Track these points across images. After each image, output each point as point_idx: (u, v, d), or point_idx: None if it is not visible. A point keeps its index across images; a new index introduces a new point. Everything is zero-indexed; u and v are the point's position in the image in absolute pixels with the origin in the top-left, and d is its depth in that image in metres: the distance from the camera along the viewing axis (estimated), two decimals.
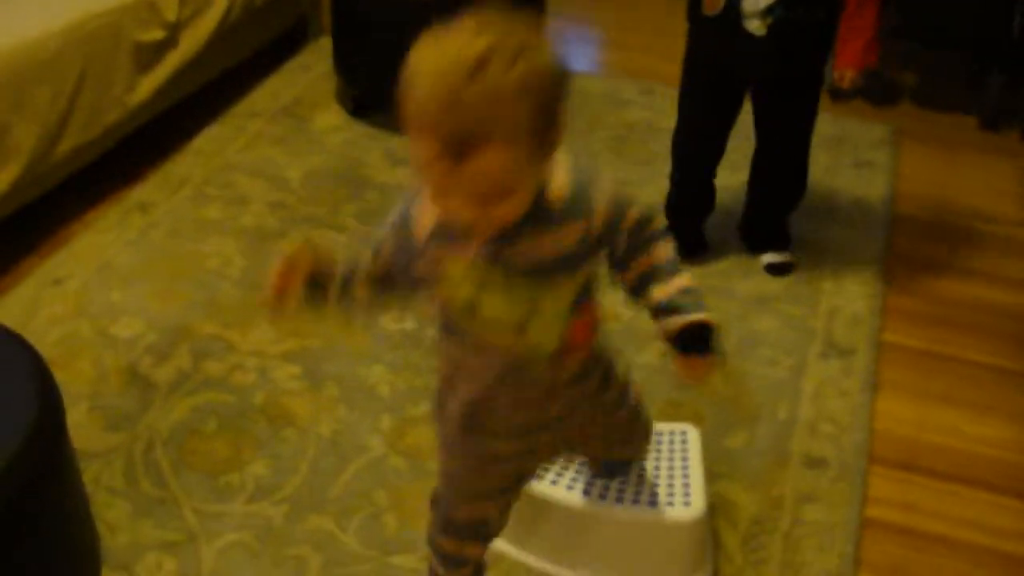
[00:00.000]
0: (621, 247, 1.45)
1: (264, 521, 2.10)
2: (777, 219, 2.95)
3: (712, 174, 2.90)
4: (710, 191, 2.94)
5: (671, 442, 2.02)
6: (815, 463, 2.29)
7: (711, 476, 2.10)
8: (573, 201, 1.35)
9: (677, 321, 1.44)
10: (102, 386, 2.43)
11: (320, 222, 3.07)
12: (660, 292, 1.45)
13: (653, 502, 1.88)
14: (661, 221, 1.47)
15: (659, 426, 2.07)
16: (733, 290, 2.85)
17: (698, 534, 1.90)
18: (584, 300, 1.44)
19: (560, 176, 1.35)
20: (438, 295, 1.42)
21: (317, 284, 1.46)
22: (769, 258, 2.92)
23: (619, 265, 1.48)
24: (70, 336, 2.58)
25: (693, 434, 2.05)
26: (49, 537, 1.65)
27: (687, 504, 1.88)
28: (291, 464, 2.24)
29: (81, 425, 2.29)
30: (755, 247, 2.96)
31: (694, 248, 2.96)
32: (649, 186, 3.08)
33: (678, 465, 1.96)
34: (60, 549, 1.70)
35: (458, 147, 1.15)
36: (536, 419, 1.57)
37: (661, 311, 1.45)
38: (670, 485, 1.91)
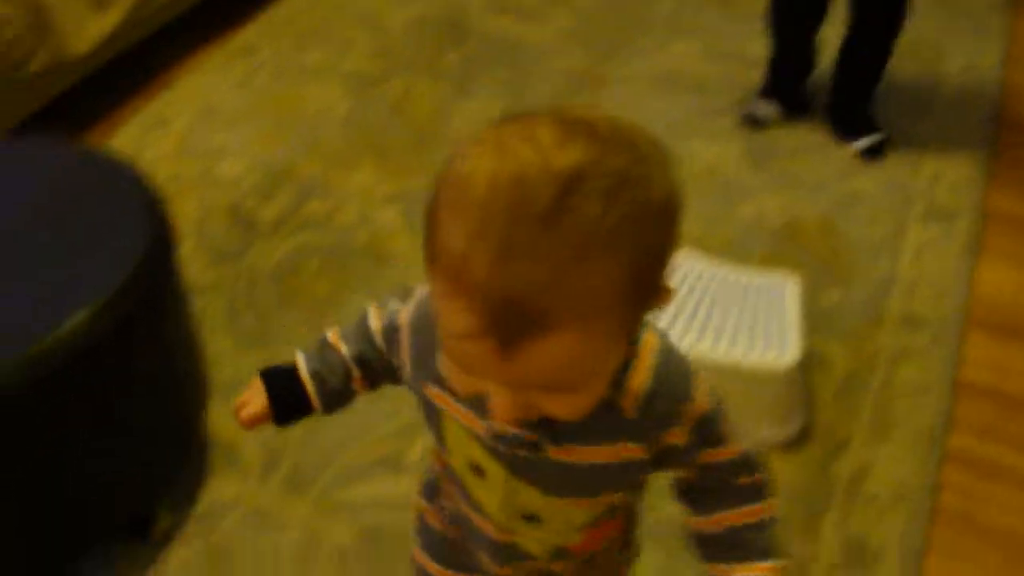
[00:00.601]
0: (693, 481, 1.04)
1: None
2: (869, 83, 2.84)
3: (813, 34, 2.81)
4: (811, 51, 2.86)
5: (770, 292, 2.02)
6: (911, 323, 2.28)
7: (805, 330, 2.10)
8: (648, 406, 0.91)
9: None
10: (206, 225, 2.49)
11: (421, 70, 3.07)
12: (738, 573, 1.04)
13: (749, 348, 1.88)
14: (765, 473, 1.06)
15: (760, 276, 2.07)
16: (834, 149, 2.80)
17: (792, 383, 1.91)
18: (606, 519, 1.07)
19: (642, 366, 0.91)
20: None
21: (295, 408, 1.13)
22: (862, 143, 2.82)
23: (687, 499, 1.07)
24: (175, 176, 2.63)
25: (792, 285, 2.04)
26: (160, 361, 1.70)
27: (783, 353, 1.88)
28: None
29: (186, 263, 2.32)
30: (845, 133, 2.86)
31: (796, 107, 2.92)
32: (756, 42, 3.00)
33: (775, 315, 1.96)
34: (170, 374, 1.75)
35: (512, 324, 0.71)
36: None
37: None
38: (767, 334, 1.92)
